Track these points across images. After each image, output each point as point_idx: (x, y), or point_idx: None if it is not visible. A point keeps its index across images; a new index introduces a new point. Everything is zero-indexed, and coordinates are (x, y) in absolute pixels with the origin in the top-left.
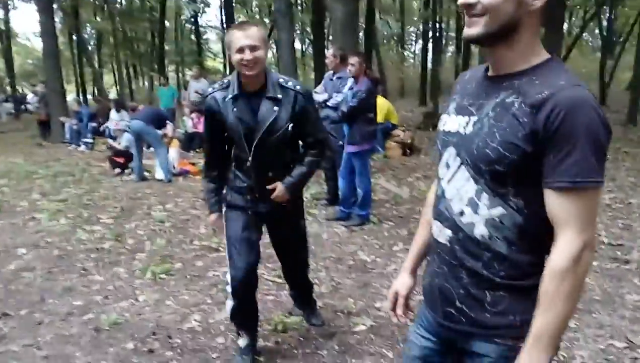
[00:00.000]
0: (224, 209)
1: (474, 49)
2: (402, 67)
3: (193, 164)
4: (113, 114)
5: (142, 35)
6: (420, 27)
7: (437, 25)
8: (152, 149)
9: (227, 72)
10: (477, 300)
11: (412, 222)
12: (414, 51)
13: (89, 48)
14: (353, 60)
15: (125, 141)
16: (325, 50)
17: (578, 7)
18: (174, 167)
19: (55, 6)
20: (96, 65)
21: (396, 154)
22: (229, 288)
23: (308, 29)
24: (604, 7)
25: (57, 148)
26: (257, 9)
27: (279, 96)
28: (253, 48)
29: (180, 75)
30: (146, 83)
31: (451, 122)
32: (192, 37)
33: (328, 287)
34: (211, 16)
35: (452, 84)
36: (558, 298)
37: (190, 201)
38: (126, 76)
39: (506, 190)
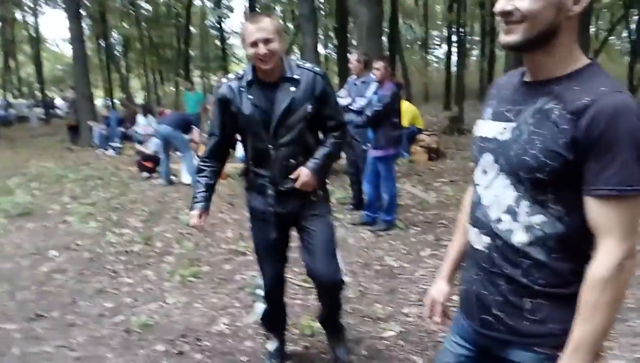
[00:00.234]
0: (247, 214)
1: (499, 52)
2: (426, 72)
3: None
4: (140, 118)
5: (168, 41)
6: (444, 31)
7: (461, 29)
8: (178, 153)
9: None
10: (515, 307)
11: (438, 228)
12: (438, 55)
13: (117, 54)
14: (378, 64)
15: (153, 146)
16: (349, 55)
17: (605, 9)
18: None
19: (83, 13)
20: (123, 70)
21: (422, 159)
22: (259, 292)
23: (331, 34)
24: (632, 9)
25: (86, 152)
26: (281, 13)
27: (296, 76)
28: (267, 41)
29: (205, 80)
30: (172, 88)
31: (487, 127)
32: (217, 42)
33: (355, 292)
34: (235, 21)
35: (477, 88)
36: (598, 308)
37: (217, 205)
38: (153, 81)
39: (546, 197)
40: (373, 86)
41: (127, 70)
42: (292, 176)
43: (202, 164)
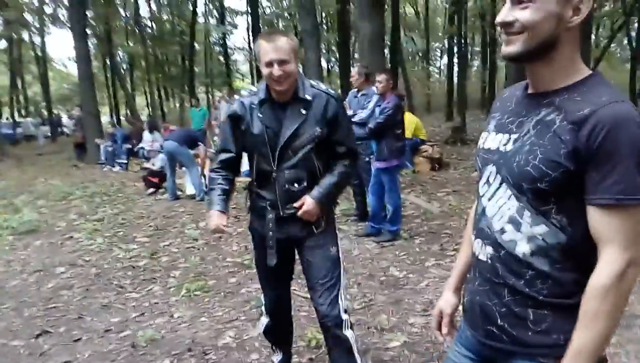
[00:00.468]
0: (249, 233)
1: (500, 63)
2: (428, 83)
3: None
4: (146, 135)
5: (173, 58)
6: (446, 42)
7: (462, 40)
8: (184, 169)
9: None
10: (519, 318)
11: (443, 238)
12: (439, 67)
13: (122, 71)
14: (380, 77)
15: (160, 162)
16: (351, 68)
17: (605, 17)
18: (206, 186)
19: (89, 32)
20: (129, 88)
21: (425, 169)
22: (264, 307)
23: (334, 48)
24: (632, 17)
25: (92, 169)
26: (283, 29)
27: (308, 98)
28: (282, 62)
29: (210, 96)
30: (177, 104)
31: (491, 139)
32: (221, 58)
33: (360, 303)
34: (238, 37)
35: (478, 98)
36: (599, 317)
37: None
38: (158, 98)
39: (549, 207)
40: (374, 99)
41: (132, 88)
42: (295, 204)
43: (215, 173)
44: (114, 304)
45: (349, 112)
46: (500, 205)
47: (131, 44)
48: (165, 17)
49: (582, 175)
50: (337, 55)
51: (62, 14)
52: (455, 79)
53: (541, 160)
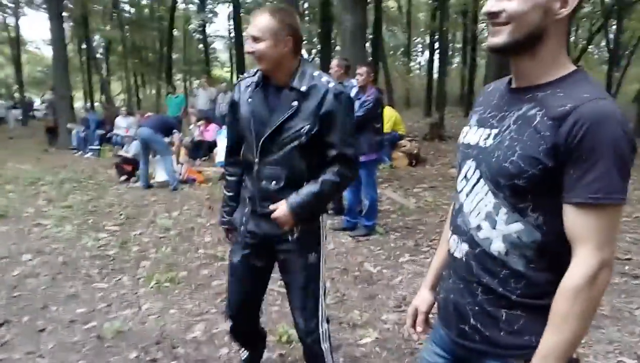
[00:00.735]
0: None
1: (480, 60)
2: (408, 78)
3: (199, 172)
4: (120, 120)
5: (151, 44)
6: (427, 38)
7: (443, 37)
8: (158, 156)
9: (234, 80)
10: (492, 318)
11: (418, 233)
12: (420, 62)
13: (98, 56)
14: (361, 70)
15: (134, 149)
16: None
17: (584, 19)
18: (180, 175)
19: (65, 14)
20: (105, 73)
21: (402, 164)
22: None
23: (315, 40)
24: (610, 19)
25: (64, 155)
26: None
27: (303, 89)
28: (255, 39)
29: (188, 83)
30: (153, 91)
31: (472, 134)
32: (200, 46)
33: (334, 298)
34: (219, 25)
35: (457, 95)
36: (569, 319)
37: (196, 209)
38: (134, 84)
39: (525, 205)
40: (353, 91)
41: (108, 73)
42: (272, 207)
43: (226, 173)
44: (81, 294)
45: None
46: (478, 201)
47: (108, 28)
48: (144, 1)
49: (561, 173)
50: (319, 47)
51: None
52: (435, 75)
53: (520, 156)
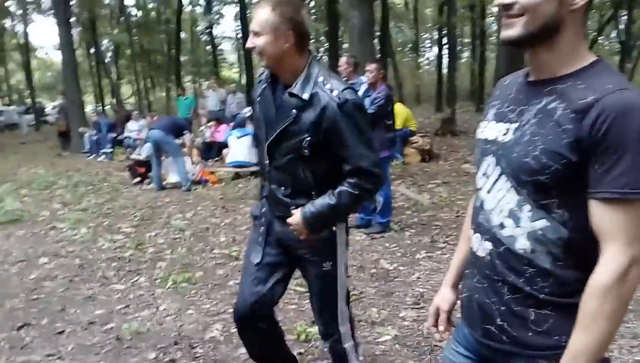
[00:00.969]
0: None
1: (490, 54)
2: (418, 74)
3: (212, 173)
4: (131, 123)
5: (159, 47)
6: (435, 34)
7: (451, 31)
8: (170, 158)
9: (243, 81)
10: (520, 318)
11: (434, 230)
12: (429, 58)
13: (108, 60)
14: (371, 67)
15: (146, 151)
16: (340, 58)
17: (594, 10)
18: (194, 175)
19: (73, 20)
20: (114, 76)
21: (415, 160)
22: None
23: (322, 38)
24: (620, 10)
25: (76, 158)
26: None
27: (305, 97)
28: (255, 34)
29: (196, 85)
30: (163, 93)
31: (490, 129)
32: (208, 47)
33: (350, 296)
34: (225, 27)
35: (468, 89)
36: (599, 318)
37: (209, 210)
38: (144, 87)
39: (550, 201)
40: (363, 88)
41: (118, 77)
42: (289, 220)
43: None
44: (98, 296)
45: None
46: (499, 198)
47: (116, 32)
48: (150, 5)
49: (585, 167)
50: (326, 45)
51: (45, 0)
52: (444, 70)
53: (542, 151)
